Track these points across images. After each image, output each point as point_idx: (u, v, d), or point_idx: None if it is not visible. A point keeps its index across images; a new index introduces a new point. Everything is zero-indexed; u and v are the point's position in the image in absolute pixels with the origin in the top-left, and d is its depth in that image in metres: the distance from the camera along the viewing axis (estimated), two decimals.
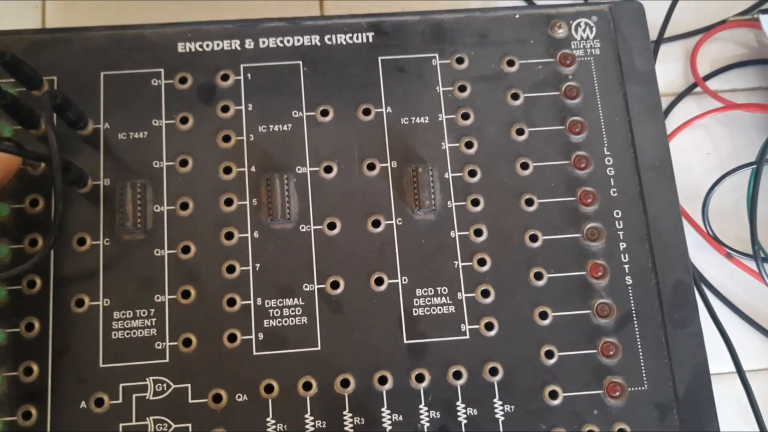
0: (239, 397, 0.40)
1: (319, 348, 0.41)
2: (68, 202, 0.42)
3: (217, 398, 0.40)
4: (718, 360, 0.48)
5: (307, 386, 0.40)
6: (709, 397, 0.41)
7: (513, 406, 0.40)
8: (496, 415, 0.40)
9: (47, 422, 0.39)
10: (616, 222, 0.43)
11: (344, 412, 0.40)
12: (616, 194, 0.43)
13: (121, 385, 0.40)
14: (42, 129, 0.43)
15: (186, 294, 0.41)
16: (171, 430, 0.39)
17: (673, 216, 0.43)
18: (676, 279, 0.42)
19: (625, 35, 0.46)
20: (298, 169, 0.43)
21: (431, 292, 0.42)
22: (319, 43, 0.45)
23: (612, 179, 0.44)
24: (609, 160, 0.44)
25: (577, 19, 0.46)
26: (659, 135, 0.44)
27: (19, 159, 0.40)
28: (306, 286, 0.42)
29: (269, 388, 0.40)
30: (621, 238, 0.43)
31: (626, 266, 0.42)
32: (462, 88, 0.45)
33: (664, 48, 0.56)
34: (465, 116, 0.44)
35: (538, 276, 0.42)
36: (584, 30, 0.46)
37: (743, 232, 0.51)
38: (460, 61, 0.45)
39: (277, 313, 0.41)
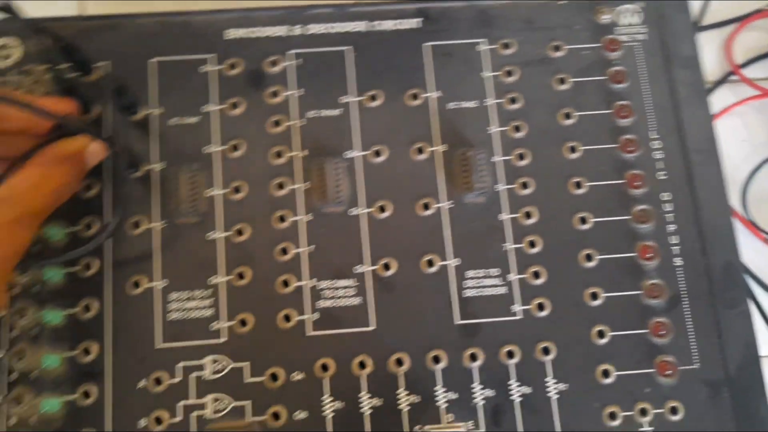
0: (296, 375, 0.40)
1: (372, 328, 0.41)
2: (123, 187, 0.43)
3: (274, 377, 0.40)
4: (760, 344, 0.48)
5: (362, 365, 0.41)
6: (759, 375, 0.41)
7: (566, 385, 0.41)
8: (549, 394, 0.41)
9: (107, 401, 0.40)
10: (665, 204, 0.43)
11: (399, 390, 0.41)
12: (664, 177, 0.44)
13: (180, 364, 0.40)
14: (94, 114, 0.44)
15: (241, 275, 0.42)
16: (230, 407, 0.40)
17: (720, 198, 0.43)
18: (725, 260, 0.42)
19: (670, 20, 0.46)
20: (348, 154, 0.44)
21: (482, 273, 0.42)
22: (366, 29, 0.46)
23: (660, 162, 0.44)
24: (656, 144, 0.44)
25: (622, 5, 0.47)
26: (705, 118, 0.45)
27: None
28: (358, 268, 0.42)
29: (325, 367, 0.41)
30: (670, 220, 0.43)
31: (675, 248, 0.43)
32: (509, 73, 0.45)
33: (700, 36, 0.57)
34: (513, 101, 0.45)
35: (589, 257, 0.42)
36: (630, 16, 0.46)
37: None
38: (506, 46, 0.46)
39: (330, 294, 0.42)
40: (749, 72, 0.57)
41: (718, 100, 0.56)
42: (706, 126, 0.44)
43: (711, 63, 0.58)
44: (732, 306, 0.42)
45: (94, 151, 0.40)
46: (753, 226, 0.52)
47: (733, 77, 0.57)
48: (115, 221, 0.39)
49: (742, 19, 0.57)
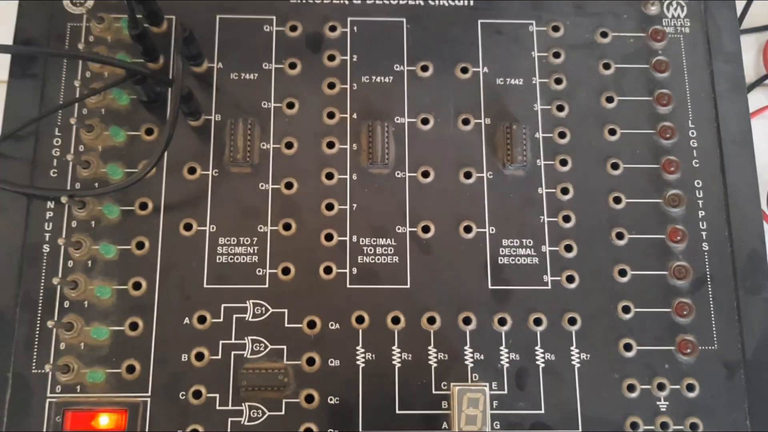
0: (332, 325, 0.42)
1: (408, 286, 0.43)
2: (181, 133, 0.45)
3: (312, 324, 0.42)
4: None
5: (396, 320, 0.43)
6: None
7: (588, 355, 0.43)
8: (572, 362, 0.43)
9: (152, 334, 0.42)
10: (697, 191, 0.45)
11: (429, 347, 0.42)
12: (698, 165, 0.46)
13: (223, 305, 0.43)
14: (160, 63, 0.46)
15: (287, 226, 0.44)
16: (267, 350, 0.42)
17: (751, 189, 0.45)
18: (751, 248, 0.44)
19: (715, 16, 0.48)
20: (397, 119, 0.46)
21: (517, 243, 0.44)
22: (422, 3, 0.48)
23: (695, 150, 0.46)
24: (693, 133, 0.46)
25: None
26: (742, 112, 0.46)
27: None
28: (399, 228, 0.44)
29: (360, 319, 0.43)
30: (700, 206, 0.45)
31: (704, 233, 0.45)
32: (556, 55, 0.47)
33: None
34: (558, 81, 0.46)
35: (620, 236, 0.44)
36: (676, 9, 0.48)
37: None
38: (556, 29, 0.47)
39: (370, 250, 0.44)
40: None
41: (752, 102, 0.57)
42: (742, 119, 0.46)
43: (747, 65, 0.59)
44: (754, 292, 0.43)
45: None
46: None
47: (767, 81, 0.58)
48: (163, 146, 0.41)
49: None
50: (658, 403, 0.42)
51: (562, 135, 0.46)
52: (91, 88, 0.44)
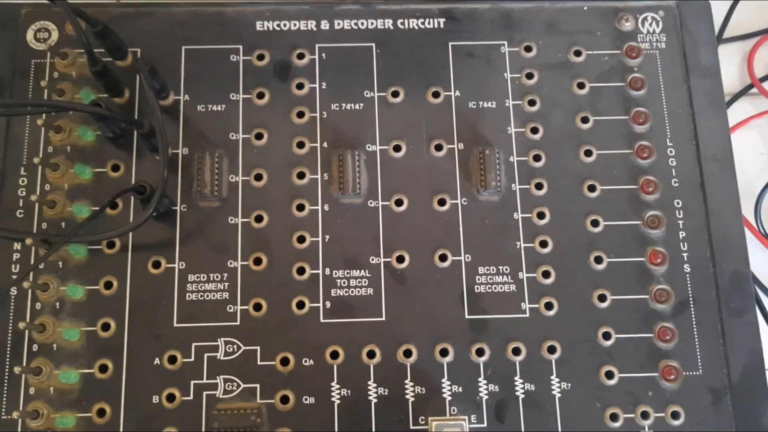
0: (306, 361, 0.42)
1: (383, 318, 0.42)
2: (147, 169, 0.44)
3: (285, 361, 0.42)
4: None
5: (371, 354, 0.42)
6: (762, 384, 0.42)
7: (570, 384, 0.42)
8: (553, 392, 0.41)
9: (122, 376, 0.41)
10: (677, 211, 0.44)
11: (406, 381, 0.41)
12: (677, 184, 0.44)
13: (194, 344, 0.42)
14: (125, 97, 0.45)
15: (258, 261, 0.43)
16: (240, 389, 0.41)
17: (732, 207, 0.44)
18: (734, 269, 0.43)
19: (691, 30, 0.47)
20: (369, 147, 0.45)
21: (493, 270, 0.43)
22: (392, 27, 0.47)
23: (674, 169, 0.45)
24: (671, 151, 0.45)
25: (644, 13, 0.47)
26: (721, 128, 0.45)
27: None
28: (373, 259, 0.43)
29: (335, 354, 0.42)
30: (681, 227, 0.44)
31: (685, 254, 0.43)
32: (529, 76, 0.46)
33: (722, 49, 0.57)
34: (531, 102, 0.46)
35: (598, 260, 0.43)
36: (651, 24, 0.47)
37: None
38: (528, 49, 0.46)
39: (344, 283, 0.43)
40: None
41: (736, 112, 0.57)
42: (722, 136, 0.45)
43: (731, 75, 0.58)
44: (739, 314, 0.42)
45: None
46: (765, 238, 0.53)
47: (753, 90, 0.57)
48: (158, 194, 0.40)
49: (764, 33, 0.57)
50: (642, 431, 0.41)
51: (537, 158, 0.45)
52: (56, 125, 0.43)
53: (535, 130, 0.45)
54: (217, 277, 0.43)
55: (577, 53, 0.46)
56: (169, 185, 0.44)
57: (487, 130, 0.45)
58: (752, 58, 0.57)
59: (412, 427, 0.41)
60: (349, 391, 0.41)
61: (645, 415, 0.41)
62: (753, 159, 0.56)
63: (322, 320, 0.42)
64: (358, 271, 0.43)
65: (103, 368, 0.41)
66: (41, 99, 0.44)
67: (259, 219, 0.43)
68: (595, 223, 0.44)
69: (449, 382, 0.41)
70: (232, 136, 0.45)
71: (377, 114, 0.45)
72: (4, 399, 0.41)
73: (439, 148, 0.45)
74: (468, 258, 0.43)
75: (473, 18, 0.47)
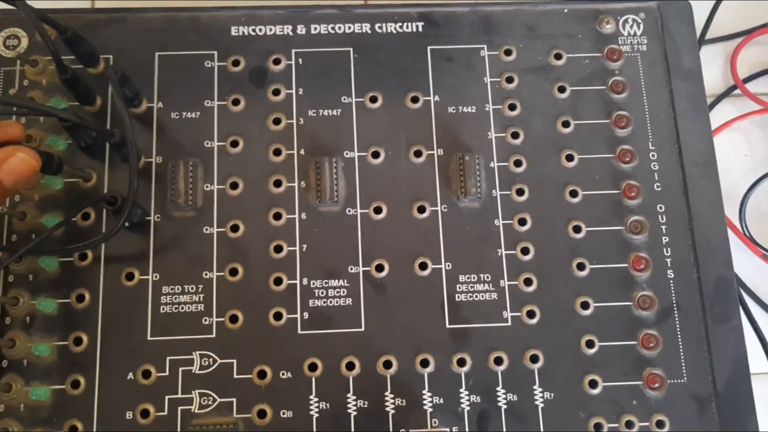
0: (283, 374, 0.41)
1: (362, 329, 0.41)
2: (120, 178, 0.43)
3: (262, 374, 0.41)
4: (754, 360, 0.48)
5: (350, 366, 0.41)
6: (748, 392, 0.41)
7: (552, 394, 0.41)
8: (536, 402, 0.41)
9: (95, 391, 0.40)
10: (660, 216, 0.43)
11: (386, 393, 0.41)
12: (659, 188, 0.44)
13: (168, 358, 0.41)
14: (97, 105, 0.44)
15: (234, 271, 0.42)
16: (216, 404, 0.40)
17: (716, 212, 0.43)
18: (718, 274, 0.42)
19: (672, 32, 0.46)
20: (346, 154, 0.44)
21: (474, 278, 0.42)
22: (369, 31, 0.46)
23: (656, 174, 0.44)
24: (653, 155, 0.44)
25: (625, 15, 0.47)
26: (704, 131, 0.45)
27: (36, 166, 0.36)
28: (351, 268, 0.42)
29: (313, 367, 0.41)
30: (664, 232, 0.43)
31: (668, 260, 0.43)
32: (509, 80, 0.45)
33: (705, 50, 0.57)
34: (512, 107, 0.45)
35: (581, 267, 0.42)
36: (632, 26, 0.46)
37: None
38: (508, 52, 0.46)
39: (322, 293, 0.42)
40: (752, 87, 0.57)
41: (720, 113, 0.56)
42: (704, 139, 0.44)
43: (714, 76, 0.58)
44: (723, 321, 0.42)
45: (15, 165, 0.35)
46: (750, 241, 0.52)
47: (736, 91, 0.56)
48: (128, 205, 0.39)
49: (746, 34, 0.57)
50: None
51: (517, 163, 0.44)
52: (27, 134, 0.42)
53: (515, 135, 0.44)
54: (192, 288, 0.42)
55: (558, 56, 0.46)
56: (142, 195, 0.42)
57: (466, 135, 0.44)
58: (735, 59, 0.57)
59: None
60: (327, 405, 0.40)
61: (629, 425, 0.40)
62: (737, 161, 0.56)
63: (300, 332, 0.41)
64: (336, 280, 0.42)
65: (75, 384, 0.40)
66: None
67: (234, 228, 0.43)
68: (577, 229, 0.43)
69: (430, 394, 0.41)
70: (207, 143, 0.44)
71: (355, 120, 0.44)
72: None
73: (418, 154, 0.44)
74: (449, 266, 0.42)
75: (452, 21, 0.46)
